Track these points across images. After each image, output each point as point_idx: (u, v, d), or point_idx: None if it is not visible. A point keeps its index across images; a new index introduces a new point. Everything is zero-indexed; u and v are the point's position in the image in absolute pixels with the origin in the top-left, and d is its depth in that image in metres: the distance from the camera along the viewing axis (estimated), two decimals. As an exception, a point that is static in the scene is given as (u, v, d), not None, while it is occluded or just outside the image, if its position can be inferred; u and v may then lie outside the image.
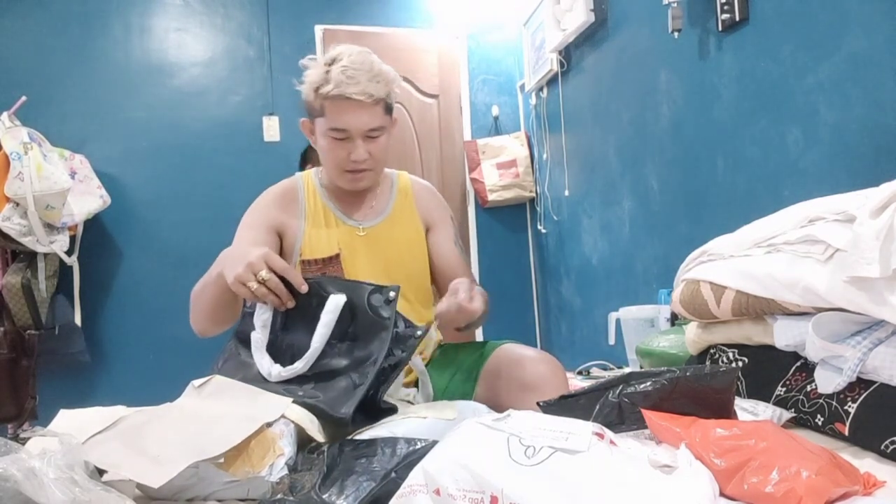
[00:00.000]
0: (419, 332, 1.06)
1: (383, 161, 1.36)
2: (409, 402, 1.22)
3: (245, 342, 1.13)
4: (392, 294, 1.07)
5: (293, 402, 0.98)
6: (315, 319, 1.06)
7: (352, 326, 1.06)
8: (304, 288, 1.08)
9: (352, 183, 1.34)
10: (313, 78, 1.27)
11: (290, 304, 1.08)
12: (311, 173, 1.46)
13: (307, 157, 2.93)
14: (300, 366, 1.04)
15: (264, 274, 1.04)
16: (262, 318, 1.10)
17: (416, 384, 1.31)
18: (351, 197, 1.40)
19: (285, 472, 0.84)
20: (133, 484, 0.74)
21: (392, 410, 1.07)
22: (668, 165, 2.22)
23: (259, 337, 1.09)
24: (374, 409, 1.04)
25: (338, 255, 1.34)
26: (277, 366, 1.06)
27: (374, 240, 1.38)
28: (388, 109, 1.31)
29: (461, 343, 1.45)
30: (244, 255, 1.07)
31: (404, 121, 3.54)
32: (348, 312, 1.07)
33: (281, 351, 1.09)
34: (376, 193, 1.43)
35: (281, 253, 1.36)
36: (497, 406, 1.20)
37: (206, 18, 3.36)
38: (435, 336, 1.46)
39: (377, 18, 3.54)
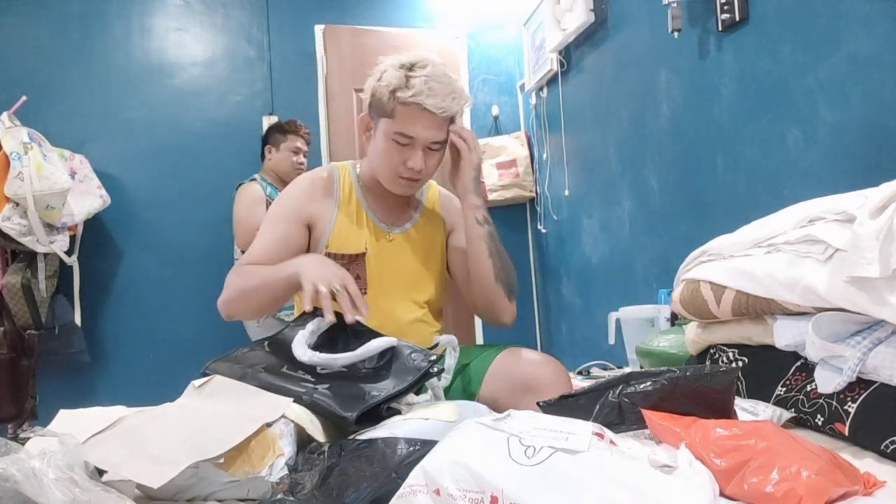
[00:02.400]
0: (436, 368, 1.09)
1: (432, 174, 1.38)
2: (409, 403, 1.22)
3: (277, 344, 1.14)
4: (435, 368, 1.09)
5: (301, 396, 0.99)
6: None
7: (385, 369, 1.08)
8: (365, 311, 1.12)
9: (401, 188, 1.35)
10: (392, 80, 1.26)
11: (350, 317, 1.10)
12: (347, 166, 1.46)
13: (267, 140, 2.93)
14: (337, 360, 1.06)
15: (339, 286, 1.11)
16: (315, 324, 1.13)
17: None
18: (385, 199, 1.41)
19: (285, 472, 0.84)
20: (133, 484, 0.74)
21: (394, 413, 1.07)
22: (668, 165, 2.22)
23: (305, 335, 1.11)
24: (377, 414, 1.04)
25: (363, 255, 1.35)
26: (312, 351, 1.08)
27: (400, 246, 1.40)
28: (450, 124, 1.35)
29: (465, 346, 1.46)
30: (331, 266, 1.17)
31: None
32: (387, 355, 1.09)
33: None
34: (409, 200, 1.46)
35: (308, 244, 1.38)
36: (500, 409, 1.19)
37: (206, 18, 3.36)
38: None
39: (377, 18, 3.54)
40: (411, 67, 1.27)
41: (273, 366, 1.08)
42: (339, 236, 1.36)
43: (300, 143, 2.90)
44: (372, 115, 1.34)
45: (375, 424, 1.01)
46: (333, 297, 1.11)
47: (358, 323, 1.12)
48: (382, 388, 1.03)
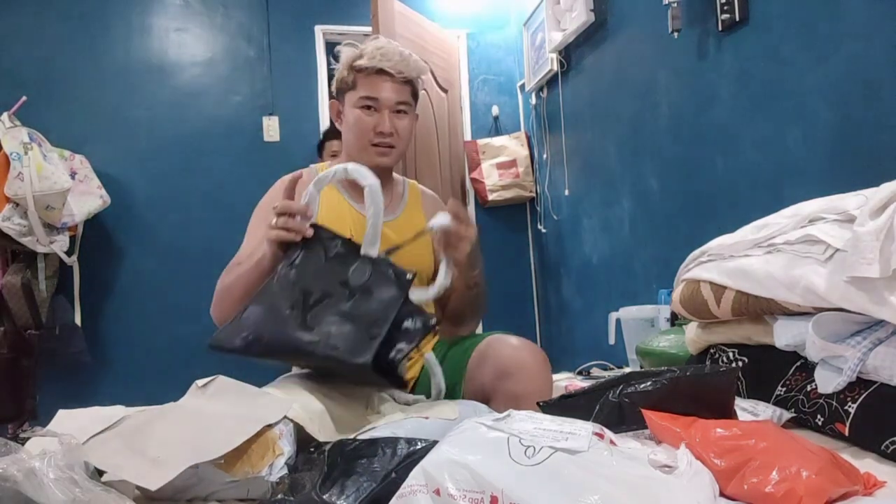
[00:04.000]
0: (432, 323, 1.08)
1: (406, 141, 1.41)
2: (407, 404, 1.22)
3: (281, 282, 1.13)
4: (409, 276, 1.09)
5: (311, 341, 1.01)
6: (327, 271, 1.10)
7: (369, 282, 1.08)
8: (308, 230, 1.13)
9: (376, 157, 1.37)
10: (348, 54, 1.36)
11: (308, 232, 1.12)
12: (325, 165, 1.48)
13: (328, 137, 2.92)
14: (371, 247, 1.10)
15: (280, 220, 1.11)
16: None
17: (414, 386, 1.34)
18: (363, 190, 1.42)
19: (285, 471, 0.84)
20: (133, 484, 0.74)
21: (402, 385, 1.10)
22: (668, 165, 2.22)
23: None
24: (390, 370, 1.04)
25: (350, 239, 1.35)
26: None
27: (386, 236, 1.39)
28: (414, 96, 1.40)
29: (454, 338, 1.46)
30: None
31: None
32: (369, 269, 1.10)
33: (293, 293, 1.10)
34: (390, 192, 1.45)
35: None
36: (481, 393, 1.24)
37: (206, 18, 3.36)
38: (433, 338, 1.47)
39: (377, 18, 3.54)
40: (364, 45, 1.37)
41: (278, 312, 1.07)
42: (325, 222, 1.36)
43: None
44: (339, 99, 1.40)
45: (388, 379, 1.03)
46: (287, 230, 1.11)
47: (343, 243, 1.14)
48: (379, 326, 1.02)
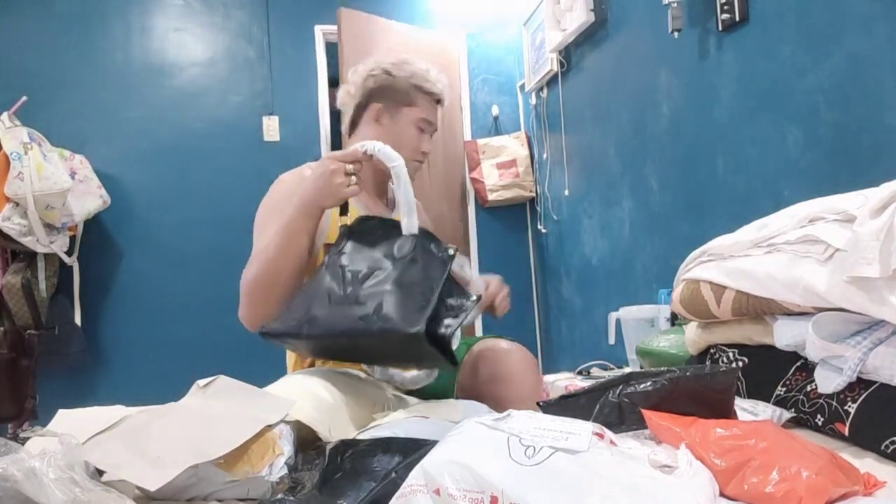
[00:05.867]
0: (474, 298, 1.11)
1: None
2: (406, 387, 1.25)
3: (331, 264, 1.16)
4: (451, 251, 1.13)
5: (364, 315, 1.02)
6: (374, 250, 1.14)
7: (413, 253, 1.11)
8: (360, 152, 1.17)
9: (415, 170, 1.43)
10: (418, 71, 1.40)
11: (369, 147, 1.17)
12: None
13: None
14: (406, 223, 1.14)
15: (350, 168, 1.15)
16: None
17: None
18: (369, 192, 1.45)
19: (285, 471, 0.83)
20: (133, 484, 0.74)
21: (454, 362, 1.10)
22: (668, 165, 2.22)
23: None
24: (441, 345, 1.05)
25: (390, 219, 1.37)
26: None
27: None
28: None
29: None
30: (321, 171, 1.16)
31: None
32: (412, 243, 1.13)
33: (344, 276, 1.11)
34: (385, 198, 1.49)
35: None
36: (474, 396, 1.26)
37: (206, 18, 3.36)
38: None
39: (377, 18, 3.54)
40: (425, 65, 1.42)
41: (330, 292, 1.09)
42: (334, 229, 1.37)
43: None
44: (384, 103, 1.40)
45: (440, 349, 1.04)
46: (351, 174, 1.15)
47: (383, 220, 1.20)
48: (427, 297, 1.03)
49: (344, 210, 1.21)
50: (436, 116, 1.44)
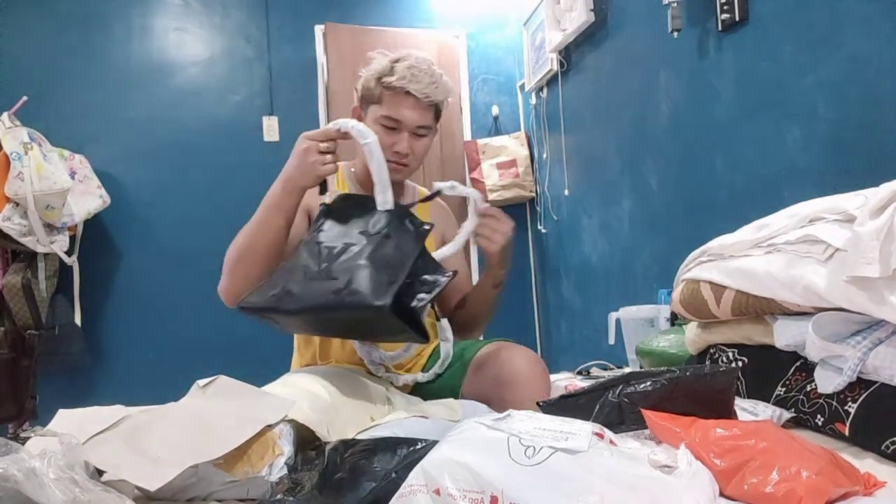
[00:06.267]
0: (449, 274, 1.12)
1: (420, 159, 1.42)
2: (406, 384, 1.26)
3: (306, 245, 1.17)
4: (426, 227, 1.14)
5: (336, 289, 1.03)
6: (350, 227, 1.16)
7: (387, 229, 1.13)
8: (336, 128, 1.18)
9: (396, 171, 1.36)
10: (379, 67, 1.33)
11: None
12: (340, 165, 1.47)
13: None
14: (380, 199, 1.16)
15: (323, 146, 1.17)
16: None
17: (425, 364, 1.41)
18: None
19: (284, 471, 0.84)
20: (133, 484, 0.74)
21: (425, 336, 1.11)
22: (668, 165, 2.22)
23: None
24: (412, 318, 1.06)
25: (368, 195, 1.36)
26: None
27: None
28: (437, 115, 1.39)
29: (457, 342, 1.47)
30: (300, 151, 1.19)
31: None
32: (386, 218, 1.15)
33: (321, 252, 1.13)
34: (401, 198, 1.46)
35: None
36: (482, 399, 1.26)
37: (206, 18, 3.36)
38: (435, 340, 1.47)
39: (377, 18, 3.54)
40: (397, 60, 1.34)
41: (305, 269, 1.11)
42: None
43: None
44: (362, 106, 1.39)
45: (408, 322, 1.05)
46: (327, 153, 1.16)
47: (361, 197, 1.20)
48: (396, 273, 1.05)
49: (323, 189, 1.22)
50: (408, 113, 1.31)
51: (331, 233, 1.15)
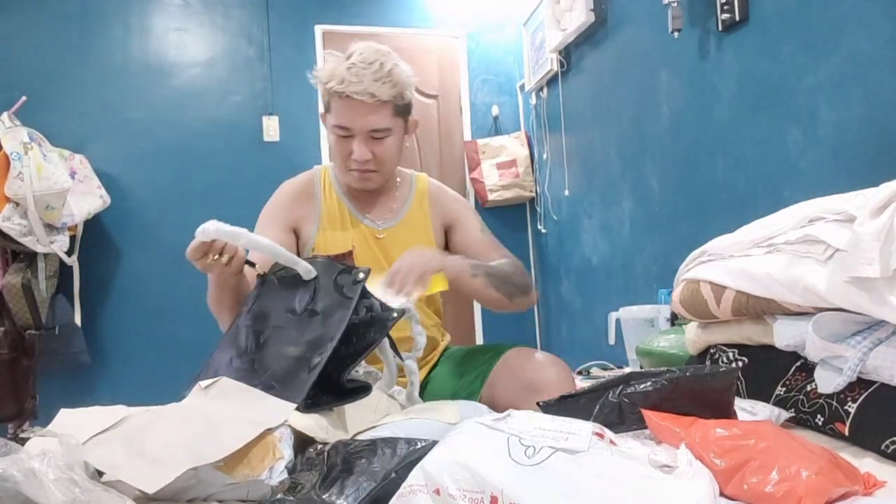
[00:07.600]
0: (395, 315, 1.05)
1: (391, 163, 1.33)
2: (392, 397, 1.22)
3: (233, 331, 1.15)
4: (361, 275, 1.07)
5: (257, 384, 0.99)
6: (280, 303, 1.10)
7: (313, 303, 1.07)
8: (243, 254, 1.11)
9: (357, 182, 1.33)
10: (324, 72, 1.27)
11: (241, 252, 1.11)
12: (328, 167, 1.45)
13: None
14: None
15: (209, 259, 1.10)
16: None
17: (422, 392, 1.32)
18: (369, 196, 1.39)
19: (285, 475, 0.83)
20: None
21: (363, 389, 1.05)
22: (669, 165, 2.22)
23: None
24: (340, 389, 1.02)
25: (350, 253, 1.34)
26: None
27: (390, 242, 1.38)
28: (399, 111, 1.29)
29: (472, 346, 1.45)
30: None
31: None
32: (313, 289, 1.08)
33: (247, 339, 1.10)
34: (394, 195, 1.43)
35: (297, 249, 1.37)
36: (504, 407, 1.20)
37: (206, 18, 3.36)
38: (443, 341, 1.46)
39: (377, 18, 3.54)
40: (347, 58, 1.24)
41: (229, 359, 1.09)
42: (324, 239, 1.35)
43: None
44: (325, 116, 1.34)
45: (343, 399, 1.00)
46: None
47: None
48: (322, 351, 0.99)
49: (251, 263, 1.17)
50: (356, 118, 1.23)
51: (261, 312, 1.12)
